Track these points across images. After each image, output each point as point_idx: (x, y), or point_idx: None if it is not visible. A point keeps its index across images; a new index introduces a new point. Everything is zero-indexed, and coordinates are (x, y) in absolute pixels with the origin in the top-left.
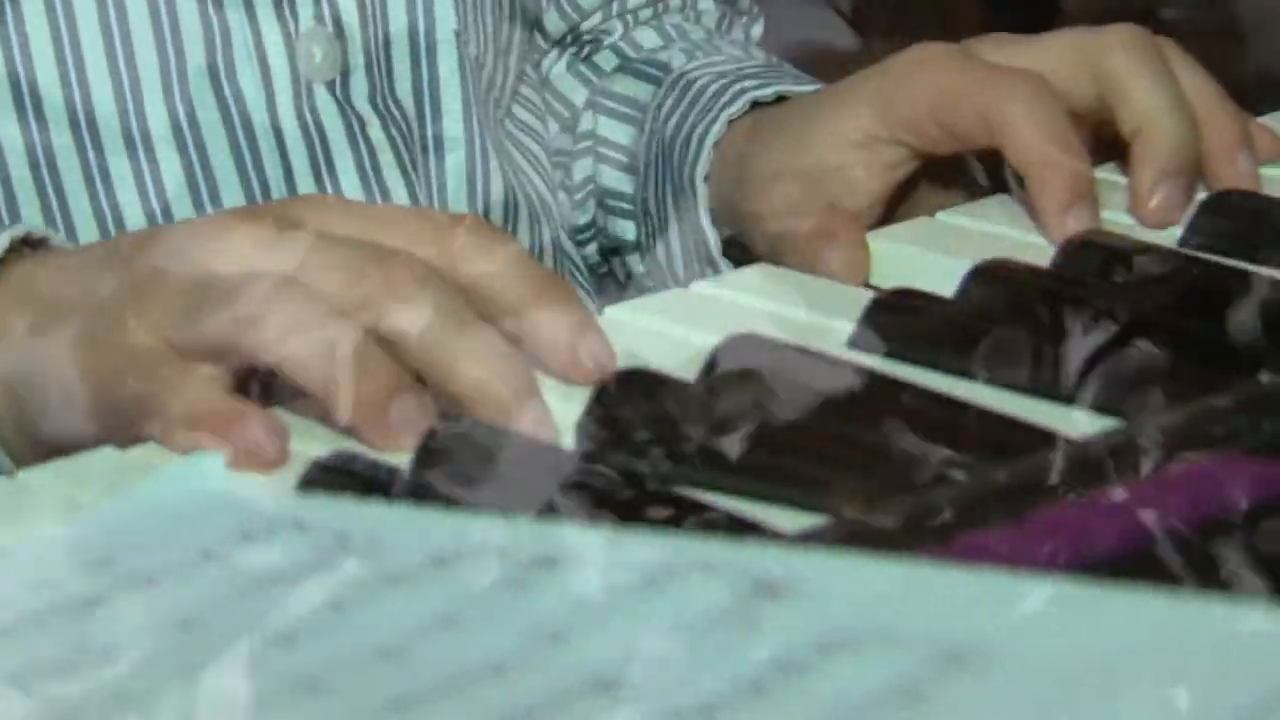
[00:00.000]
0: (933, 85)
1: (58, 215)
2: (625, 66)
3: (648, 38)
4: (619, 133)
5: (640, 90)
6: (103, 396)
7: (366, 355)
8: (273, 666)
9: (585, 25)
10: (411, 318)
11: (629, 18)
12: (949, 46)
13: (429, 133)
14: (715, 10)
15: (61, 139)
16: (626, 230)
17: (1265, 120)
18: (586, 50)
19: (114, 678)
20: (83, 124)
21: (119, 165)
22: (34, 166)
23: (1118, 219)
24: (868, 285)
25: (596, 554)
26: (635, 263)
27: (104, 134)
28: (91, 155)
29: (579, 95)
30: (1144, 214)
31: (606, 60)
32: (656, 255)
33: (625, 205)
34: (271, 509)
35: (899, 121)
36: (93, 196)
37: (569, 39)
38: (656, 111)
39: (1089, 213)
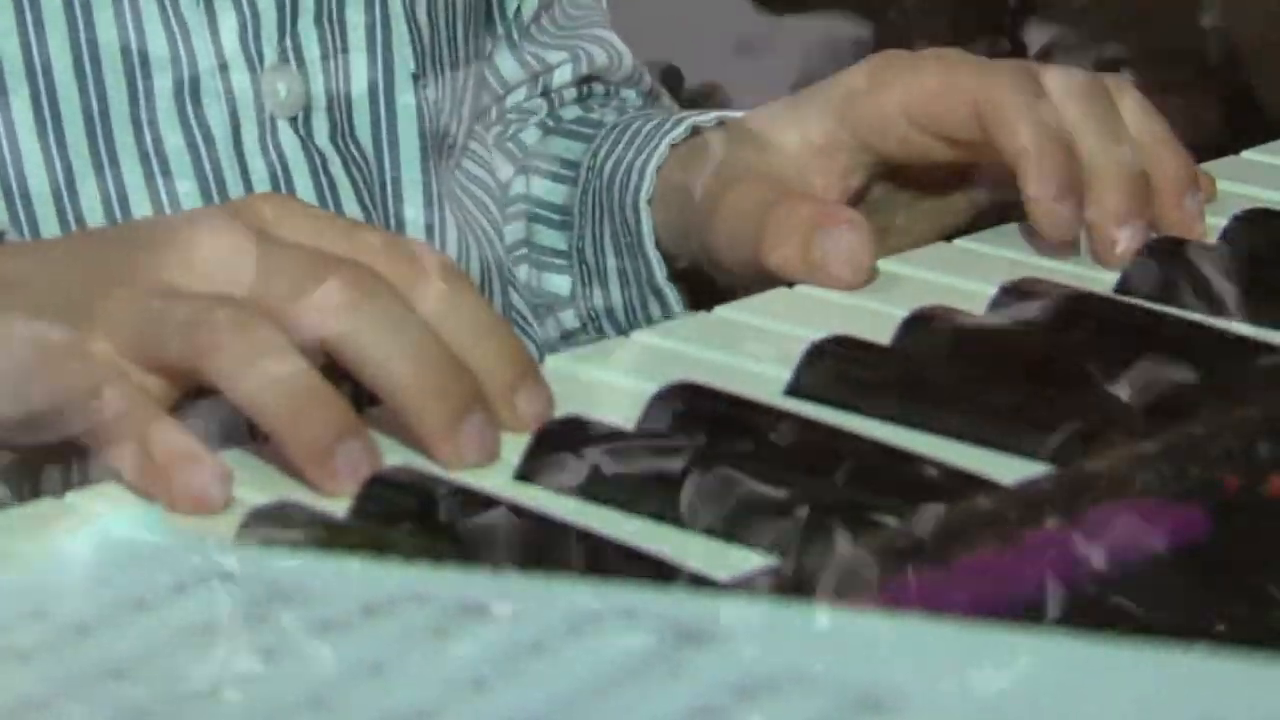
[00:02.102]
0: (910, 84)
1: (24, 223)
2: (556, 129)
3: (572, 114)
4: (552, 191)
5: (573, 150)
6: (43, 396)
7: (317, 397)
8: (202, 715)
9: (510, 100)
10: (355, 323)
11: (554, 97)
12: (914, 52)
13: (387, 173)
14: (639, 102)
15: (33, 159)
16: (560, 285)
17: (1253, 153)
18: (512, 129)
19: None
20: (52, 144)
21: (86, 187)
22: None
23: (1053, 265)
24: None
25: (521, 601)
26: (569, 318)
27: (73, 157)
28: (60, 175)
29: (505, 171)
30: (1107, 254)
31: (531, 136)
32: (595, 303)
33: (559, 260)
34: (205, 558)
35: (865, 124)
36: (60, 212)
37: (494, 115)
38: (593, 159)
39: (1076, 205)
